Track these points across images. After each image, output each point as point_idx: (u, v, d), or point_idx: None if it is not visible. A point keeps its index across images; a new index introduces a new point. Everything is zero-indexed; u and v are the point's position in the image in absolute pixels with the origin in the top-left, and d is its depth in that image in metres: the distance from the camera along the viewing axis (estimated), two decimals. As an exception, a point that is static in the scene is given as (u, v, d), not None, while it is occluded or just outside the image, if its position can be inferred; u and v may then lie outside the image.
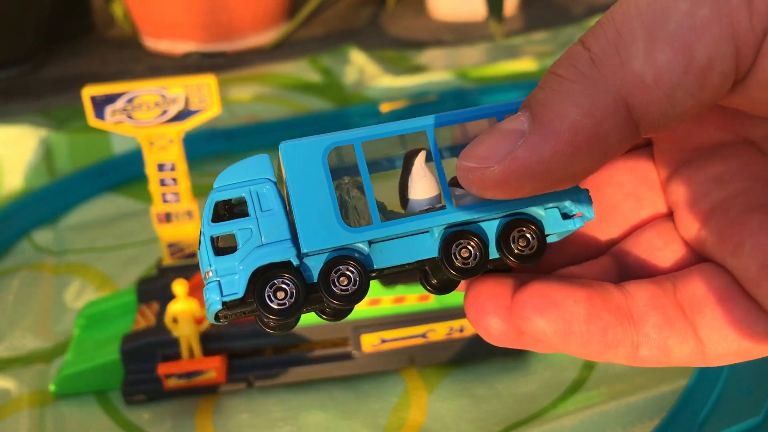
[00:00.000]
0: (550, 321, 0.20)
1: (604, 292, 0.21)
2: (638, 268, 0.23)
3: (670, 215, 0.24)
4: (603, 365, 0.42)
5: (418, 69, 0.93)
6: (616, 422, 0.38)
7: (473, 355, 0.43)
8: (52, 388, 0.43)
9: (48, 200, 0.64)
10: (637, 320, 0.21)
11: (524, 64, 0.90)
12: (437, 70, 0.90)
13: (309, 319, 0.42)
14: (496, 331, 0.21)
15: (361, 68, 0.93)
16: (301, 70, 0.91)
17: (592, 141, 0.18)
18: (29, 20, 1.03)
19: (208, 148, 0.73)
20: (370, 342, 0.42)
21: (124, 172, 0.68)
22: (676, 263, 0.23)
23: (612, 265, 0.23)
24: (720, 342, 0.20)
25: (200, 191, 0.65)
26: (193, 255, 0.48)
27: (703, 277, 0.21)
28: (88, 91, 0.43)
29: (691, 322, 0.21)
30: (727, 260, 0.21)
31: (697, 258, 0.22)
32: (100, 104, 0.44)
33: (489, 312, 0.21)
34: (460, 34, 1.13)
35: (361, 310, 0.42)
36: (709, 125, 0.23)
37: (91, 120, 0.44)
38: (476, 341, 0.42)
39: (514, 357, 0.43)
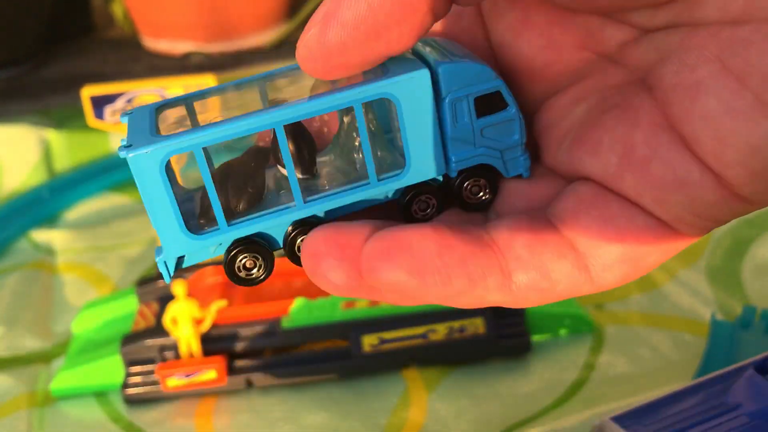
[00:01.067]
0: (399, 265, 0.18)
1: (456, 228, 0.20)
2: (507, 209, 0.22)
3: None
4: (604, 366, 0.42)
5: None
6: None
7: (473, 356, 0.43)
8: (51, 388, 0.43)
9: (47, 199, 0.64)
10: (504, 246, 0.19)
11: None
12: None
13: (310, 319, 0.42)
14: (339, 282, 0.19)
15: (361, 68, 0.93)
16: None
17: None
18: (29, 20, 1.03)
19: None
20: (370, 342, 0.42)
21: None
22: (547, 194, 0.22)
23: (477, 216, 0.22)
24: (600, 248, 0.19)
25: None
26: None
27: (568, 193, 0.21)
28: (88, 92, 0.43)
29: (564, 237, 0.20)
30: (587, 166, 0.20)
31: (557, 178, 0.22)
32: (100, 104, 0.44)
33: (329, 262, 0.19)
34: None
35: (361, 309, 0.42)
36: (564, 49, 0.22)
37: (91, 120, 0.44)
38: (477, 342, 0.42)
39: (514, 357, 0.43)
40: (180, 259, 0.21)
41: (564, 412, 0.39)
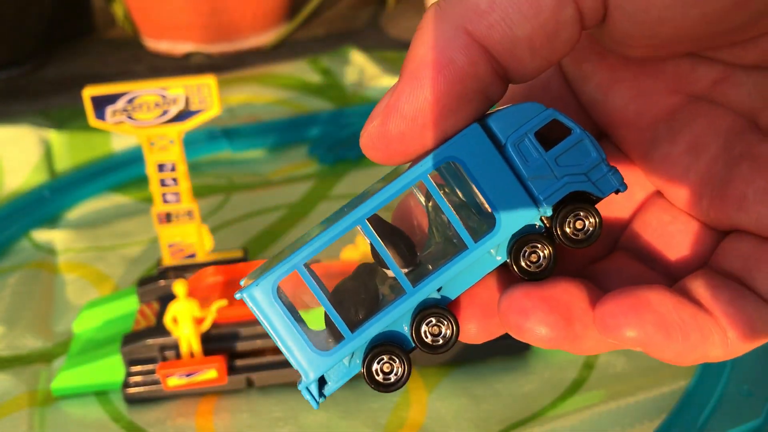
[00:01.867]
0: (646, 321, 0.19)
1: (661, 286, 0.20)
2: (654, 248, 0.23)
3: (661, 194, 0.24)
4: (603, 365, 0.42)
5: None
6: (616, 423, 0.38)
7: (473, 355, 0.43)
8: (52, 387, 0.43)
9: (48, 199, 0.64)
10: (709, 302, 0.20)
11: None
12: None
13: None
14: (546, 335, 0.20)
15: (361, 69, 0.93)
16: (301, 70, 0.91)
17: (438, 68, 0.19)
18: (30, 21, 1.03)
19: (208, 149, 0.73)
20: (370, 342, 0.42)
21: (125, 171, 0.68)
22: (691, 235, 0.22)
23: (628, 256, 0.23)
24: None
25: (200, 191, 0.65)
26: (193, 255, 0.48)
27: (733, 246, 0.21)
28: (89, 92, 0.43)
29: (751, 286, 0.21)
30: (736, 220, 0.21)
31: (707, 228, 0.22)
32: (101, 104, 0.44)
33: (537, 316, 0.20)
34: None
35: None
36: (656, 95, 0.23)
37: (92, 120, 0.44)
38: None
39: (513, 357, 0.43)
40: (323, 384, 0.21)
41: (563, 411, 0.39)
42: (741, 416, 0.36)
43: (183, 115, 0.44)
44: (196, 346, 0.41)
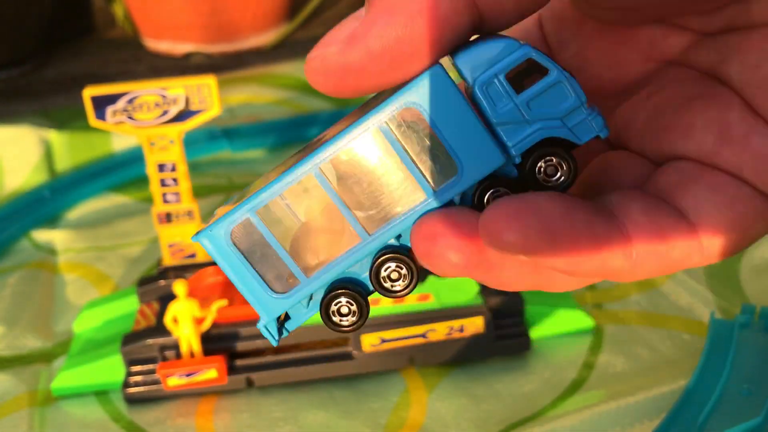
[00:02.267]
0: (528, 225, 0.18)
1: (572, 197, 0.20)
2: (591, 183, 0.22)
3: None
4: (603, 365, 0.42)
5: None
6: (616, 422, 0.38)
7: (473, 355, 0.43)
8: (52, 387, 0.43)
9: (48, 199, 0.64)
10: (621, 212, 0.19)
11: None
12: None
13: (310, 319, 0.42)
14: (457, 261, 0.19)
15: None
16: (300, 70, 0.91)
17: (420, 9, 0.18)
18: (30, 21, 1.03)
19: (209, 148, 0.73)
20: (370, 342, 0.42)
21: (125, 171, 0.68)
22: (632, 168, 0.22)
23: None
24: (711, 216, 0.19)
25: (200, 191, 0.65)
26: (193, 255, 0.48)
27: (668, 169, 0.21)
28: (89, 92, 0.43)
29: (674, 206, 0.20)
30: (681, 147, 0.21)
31: (651, 162, 0.22)
32: (101, 105, 0.44)
33: (447, 241, 0.19)
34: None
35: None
36: (630, 64, 0.23)
37: (92, 120, 0.44)
38: (476, 341, 0.42)
39: (513, 357, 0.43)
40: (282, 323, 0.22)
41: (563, 411, 0.39)
42: (741, 415, 0.36)
43: (183, 116, 0.44)
44: (196, 346, 0.41)
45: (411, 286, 0.21)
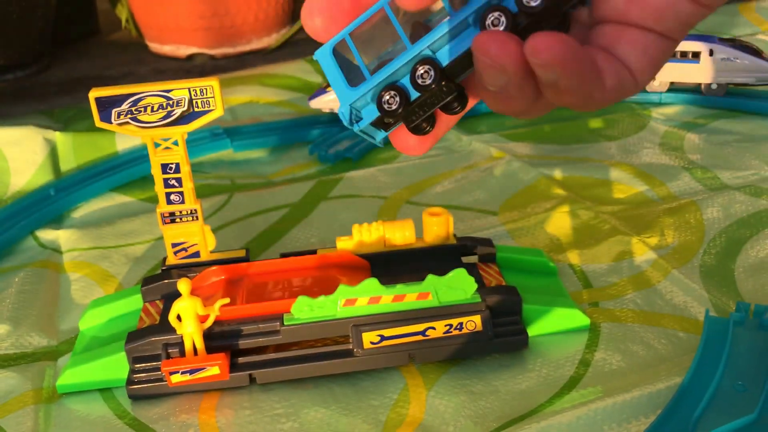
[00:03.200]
0: (562, 48, 0.25)
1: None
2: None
3: None
4: (599, 362, 0.43)
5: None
6: (612, 419, 0.38)
7: (471, 353, 0.44)
8: (57, 384, 0.44)
9: (53, 199, 0.65)
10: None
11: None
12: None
13: (311, 317, 0.42)
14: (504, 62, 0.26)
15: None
16: (302, 71, 0.92)
17: None
18: (35, 23, 1.04)
19: (211, 149, 0.74)
20: (370, 339, 0.43)
21: (129, 171, 0.69)
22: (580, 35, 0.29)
23: None
24: (635, 60, 0.28)
25: (203, 191, 0.66)
26: (197, 254, 0.49)
27: (596, 29, 0.28)
28: (94, 94, 0.44)
29: (605, 49, 0.28)
30: (602, 11, 0.28)
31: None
32: (106, 106, 0.44)
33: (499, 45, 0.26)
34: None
35: (362, 307, 0.43)
36: None
37: (97, 122, 0.45)
38: (474, 339, 0.43)
39: (511, 354, 0.44)
40: (354, 113, 0.31)
41: (560, 407, 0.39)
42: (735, 412, 0.37)
43: (187, 117, 0.45)
44: (200, 344, 0.42)
45: (436, 83, 0.29)
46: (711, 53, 0.74)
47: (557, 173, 0.65)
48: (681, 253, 0.52)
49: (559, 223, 0.57)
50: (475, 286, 0.43)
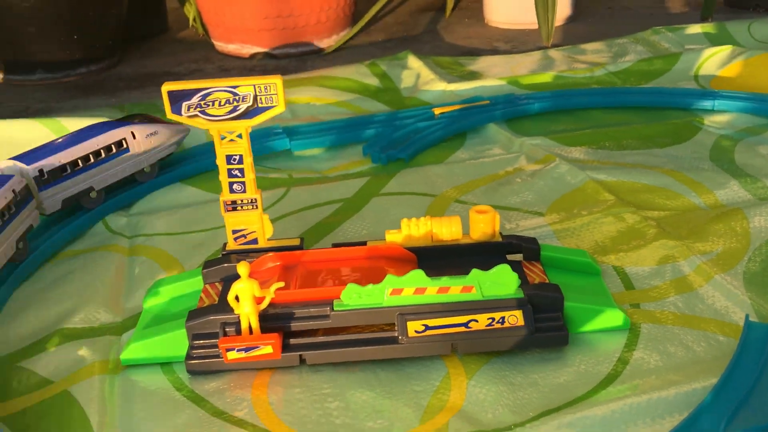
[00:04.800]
0: None
1: None
2: None
3: None
4: (637, 361, 0.44)
5: (471, 75, 0.96)
6: (647, 414, 0.39)
7: (512, 346, 0.45)
8: (121, 358, 0.47)
9: (122, 188, 0.69)
10: None
11: (576, 73, 0.92)
12: (490, 77, 0.93)
13: (359, 304, 0.45)
14: None
15: (417, 73, 0.96)
16: (360, 74, 0.94)
17: None
18: (108, 21, 1.09)
19: (271, 146, 0.77)
20: (414, 328, 0.45)
21: (193, 165, 0.73)
22: None
23: None
24: None
25: (262, 185, 0.69)
26: (255, 241, 0.52)
27: None
28: (167, 87, 0.47)
29: None
30: None
31: None
32: (177, 99, 0.48)
33: None
34: (515, 42, 1.15)
35: (408, 297, 0.45)
36: None
37: (169, 114, 0.48)
38: (516, 333, 0.44)
39: (551, 350, 0.45)
40: None
41: (597, 401, 0.41)
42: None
43: (251, 112, 0.48)
44: (255, 324, 0.44)
45: None
46: None
47: (605, 177, 0.66)
48: (725, 259, 0.53)
49: (605, 226, 0.58)
50: (519, 281, 0.45)
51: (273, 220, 0.56)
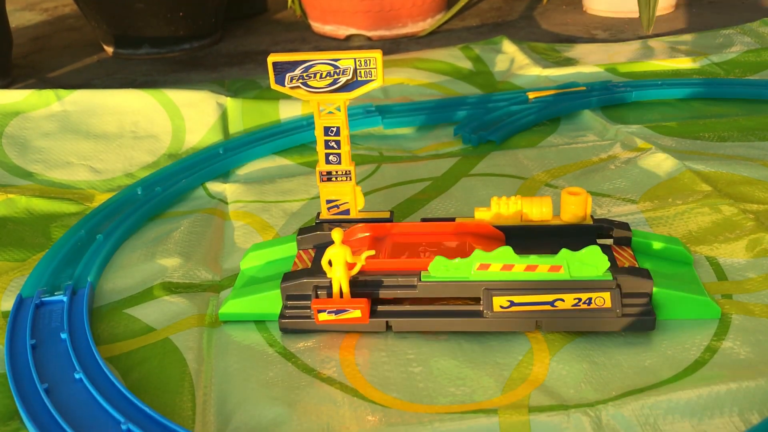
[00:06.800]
0: None
1: None
2: None
3: None
4: (727, 351, 0.43)
5: (567, 61, 0.95)
6: (734, 403, 0.39)
7: (597, 327, 0.45)
8: (219, 313, 0.50)
9: (222, 157, 0.72)
10: None
11: (677, 63, 0.89)
12: (587, 64, 0.91)
13: (446, 277, 0.46)
14: None
15: (511, 58, 0.95)
16: (453, 57, 0.95)
17: None
18: (211, 1, 1.13)
19: (364, 124, 0.79)
20: (500, 303, 0.45)
21: (289, 138, 0.75)
22: None
23: None
24: None
25: (355, 160, 0.71)
26: (347, 212, 0.53)
27: None
28: (272, 58, 0.50)
29: None
30: None
31: None
32: (282, 70, 0.50)
33: None
34: (613, 31, 1.13)
35: (495, 273, 0.45)
36: None
37: (272, 84, 0.50)
38: (601, 315, 0.44)
39: (637, 333, 0.45)
40: None
41: (681, 386, 0.40)
42: None
43: (350, 85, 0.50)
44: (346, 288, 0.46)
45: None
46: None
47: (703, 168, 0.64)
48: (827, 256, 0.51)
49: (700, 216, 0.57)
50: (608, 264, 0.45)
51: (364, 194, 0.57)
